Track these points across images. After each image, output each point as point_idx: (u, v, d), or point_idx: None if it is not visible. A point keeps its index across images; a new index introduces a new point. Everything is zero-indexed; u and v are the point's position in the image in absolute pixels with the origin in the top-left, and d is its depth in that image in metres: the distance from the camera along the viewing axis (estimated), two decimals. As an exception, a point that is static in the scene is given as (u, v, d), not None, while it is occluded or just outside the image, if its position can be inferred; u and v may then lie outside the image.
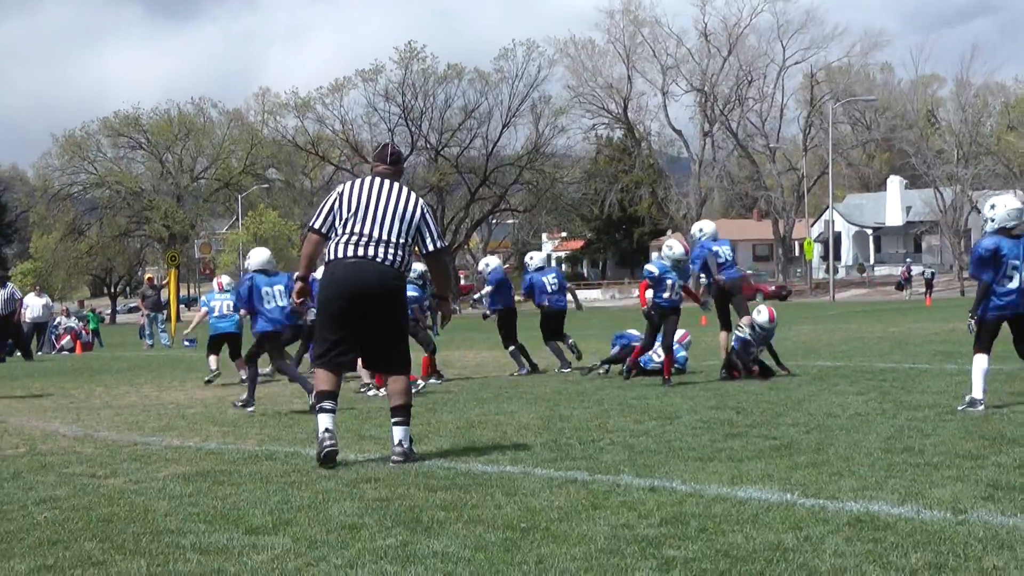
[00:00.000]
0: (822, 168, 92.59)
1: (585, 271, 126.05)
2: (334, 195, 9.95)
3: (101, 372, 25.14)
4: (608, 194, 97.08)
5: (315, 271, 11.98)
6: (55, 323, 41.37)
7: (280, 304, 15.70)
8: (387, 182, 9.93)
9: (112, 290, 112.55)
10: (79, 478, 9.46)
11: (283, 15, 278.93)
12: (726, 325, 17.84)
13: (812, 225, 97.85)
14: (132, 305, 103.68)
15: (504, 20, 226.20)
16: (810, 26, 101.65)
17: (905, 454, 9.19)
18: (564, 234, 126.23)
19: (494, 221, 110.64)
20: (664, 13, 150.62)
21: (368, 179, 9.98)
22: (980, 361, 12.20)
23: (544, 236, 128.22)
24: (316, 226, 9.88)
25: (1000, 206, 12.22)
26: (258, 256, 16.11)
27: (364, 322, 9.71)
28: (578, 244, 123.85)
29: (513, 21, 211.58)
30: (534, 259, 21.96)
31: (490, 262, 22.04)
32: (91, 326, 44.30)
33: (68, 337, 40.79)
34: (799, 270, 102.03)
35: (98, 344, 43.74)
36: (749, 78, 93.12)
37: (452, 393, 16.64)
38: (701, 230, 18.16)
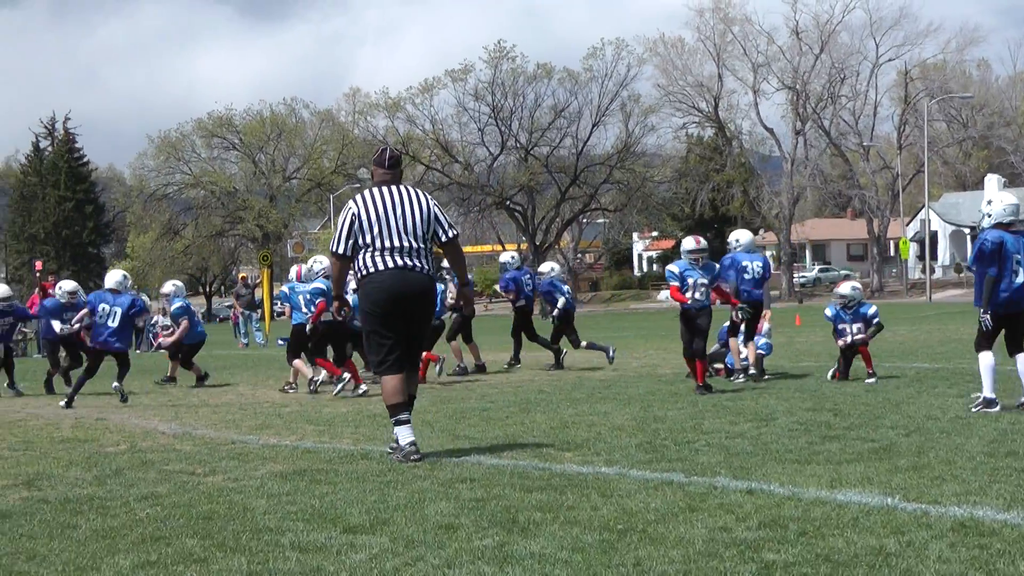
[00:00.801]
0: (917, 166, 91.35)
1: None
2: (349, 216, 10.37)
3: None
4: (699, 193, 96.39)
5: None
6: (152, 321, 41.80)
7: (111, 324, 17.17)
8: (395, 189, 10.41)
9: (207, 289, 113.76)
10: (179, 475, 9.58)
11: (373, 15, 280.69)
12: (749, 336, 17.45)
13: (907, 224, 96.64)
14: (228, 304, 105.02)
15: (593, 19, 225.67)
16: (904, 22, 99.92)
17: (1009, 458, 9.05)
18: (655, 233, 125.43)
19: (584, 220, 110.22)
20: (755, 11, 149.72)
21: (377, 191, 10.42)
22: (986, 358, 12.43)
23: (635, 235, 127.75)
24: (341, 251, 10.33)
25: (997, 202, 12.46)
26: (112, 277, 17.87)
27: (409, 325, 10.24)
28: (669, 243, 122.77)
29: (602, 20, 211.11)
30: (515, 258, 21.79)
31: (554, 266, 22.02)
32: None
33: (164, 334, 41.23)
34: (894, 270, 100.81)
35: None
36: (842, 75, 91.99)
37: (545, 393, 16.62)
38: (737, 240, 17.81)
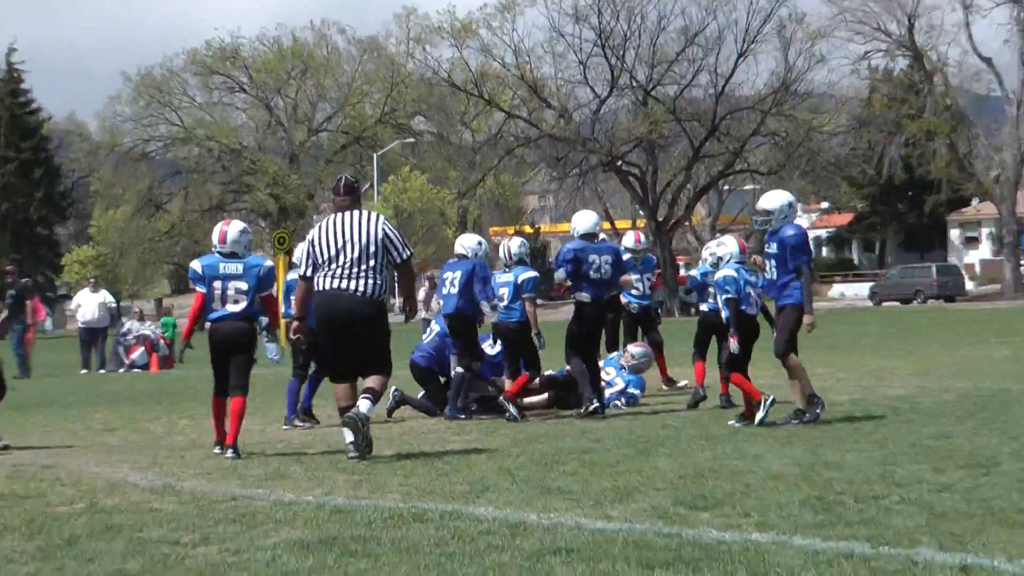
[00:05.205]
0: None
1: (855, 256, 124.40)
2: (308, 239, 14.90)
3: (186, 398, 25.54)
4: (887, 149, 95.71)
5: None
6: (123, 330, 41.95)
7: None
8: (347, 215, 14.81)
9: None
10: (158, 546, 9.61)
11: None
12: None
13: None
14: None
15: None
16: None
17: None
18: (824, 205, 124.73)
19: (726, 187, 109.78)
20: None
21: (333, 217, 14.89)
22: None
23: (797, 208, 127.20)
24: (304, 274, 14.98)
25: None
26: None
27: (347, 342, 14.63)
28: (845, 219, 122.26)
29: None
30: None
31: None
32: (168, 334, 44.49)
33: (141, 349, 41.25)
34: None
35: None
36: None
37: (671, 428, 16.60)
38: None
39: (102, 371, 39.39)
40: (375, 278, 14.57)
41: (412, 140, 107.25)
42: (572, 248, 19.27)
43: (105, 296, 41.55)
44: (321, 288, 14.60)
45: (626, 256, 21.81)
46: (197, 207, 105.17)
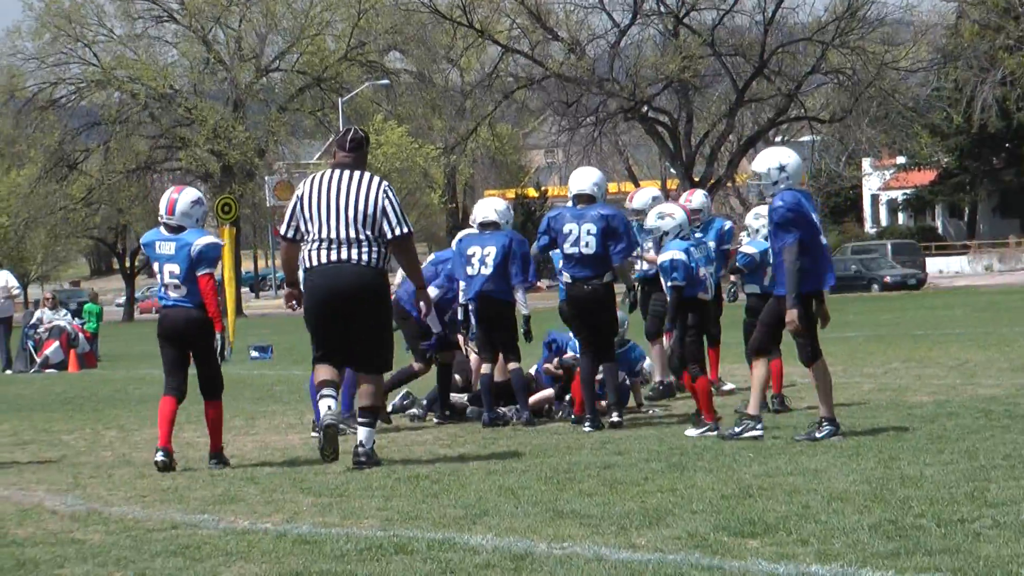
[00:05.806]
0: None
1: (939, 223, 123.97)
2: (295, 198, 15.61)
3: (113, 404, 25.51)
4: (979, 90, 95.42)
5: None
6: (32, 321, 41.80)
7: None
8: (347, 173, 15.48)
9: (128, 264, 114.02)
10: (84, 584, 9.66)
11: None
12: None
13: None
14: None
15: None
16: None
17: None
18: (900, 160, 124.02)
19: (778, 139, 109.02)
20: None
21: (329, 173, 15.61)
22: None
23: (866, 163, 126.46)
24: (282, 233, 15.84)
25: None
26: None
27: (348, 324, 15.32)
28: (926, 177, 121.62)
29: None
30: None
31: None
32: (90, 326, 44.24)
33: (56, 344, 41.08)
34: None
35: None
36: None
37: (709, 436, 16.62)
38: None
39: (8, 371, 39.33)
40: (378, 247, 15.34)
41: (386, 82, 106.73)
42: (548, 215, 19.40)
43: (8, 279, 41.16)
44: (316, 263, 15.30)
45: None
46: (120, 167, 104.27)
